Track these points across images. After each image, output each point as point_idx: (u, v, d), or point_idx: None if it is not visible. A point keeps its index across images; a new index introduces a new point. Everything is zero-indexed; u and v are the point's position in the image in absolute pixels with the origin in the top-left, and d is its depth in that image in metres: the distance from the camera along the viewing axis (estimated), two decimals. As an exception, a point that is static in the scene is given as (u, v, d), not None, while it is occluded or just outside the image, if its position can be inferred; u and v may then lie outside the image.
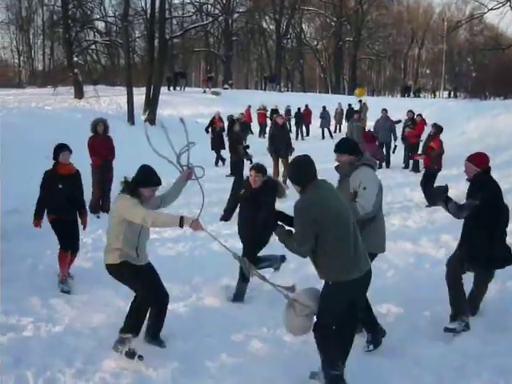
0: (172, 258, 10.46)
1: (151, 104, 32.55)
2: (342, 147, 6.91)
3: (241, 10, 68.63)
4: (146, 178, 6.67)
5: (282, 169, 17.07)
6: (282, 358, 6.48)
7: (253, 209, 8.26)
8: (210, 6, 65.63)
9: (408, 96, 61.56)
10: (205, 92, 48.10)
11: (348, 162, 6.80)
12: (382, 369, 6.13)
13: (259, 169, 8.56)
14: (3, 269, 9.30)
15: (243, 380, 5.94)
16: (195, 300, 8.17)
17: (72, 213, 9.12)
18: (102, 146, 13.94)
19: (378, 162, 16.91)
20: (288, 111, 36.12)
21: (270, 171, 13.16)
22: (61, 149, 9.09)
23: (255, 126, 35.33)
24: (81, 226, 9.31)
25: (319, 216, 5.37)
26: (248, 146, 17.01)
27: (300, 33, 76.91)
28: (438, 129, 15.70)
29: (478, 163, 7.06)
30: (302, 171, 5.64)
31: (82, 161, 11.73)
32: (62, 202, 8.84)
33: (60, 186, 8.87)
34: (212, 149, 22.73)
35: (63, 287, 8.59)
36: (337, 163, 6.97)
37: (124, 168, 14.27)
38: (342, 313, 5.62)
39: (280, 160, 17.34)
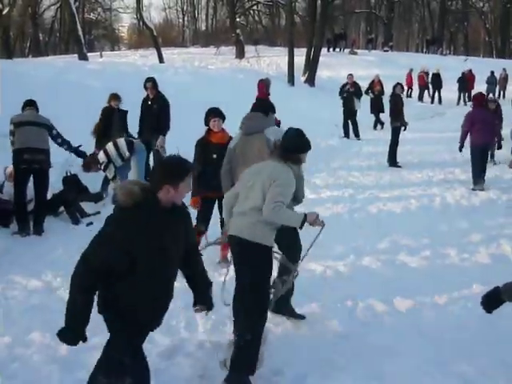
0: (331, 218, 10.62)
1: (311, 65, 32.66)
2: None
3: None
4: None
5: None
6: (442, 323, 6.51)
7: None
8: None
9: None
10: (351, 53, 47.88)
11: None
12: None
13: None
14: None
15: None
16: (355, 260, 8.30)
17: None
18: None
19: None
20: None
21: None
22: (210, 114, 8.15)
23: (415, 90, 34.77)
24: None
25: None
26: None
27: (466, -6, 74.02)
28: None
29: None
30: None
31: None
32: (213, 175, 7.54)
33: (214, 157, 7.85)
34: (371, 112, 22.61)
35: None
36: None
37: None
38: None
39: None
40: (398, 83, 16.29)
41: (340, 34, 51.32)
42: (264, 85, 14.19)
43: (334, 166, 15.43)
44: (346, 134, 20.60)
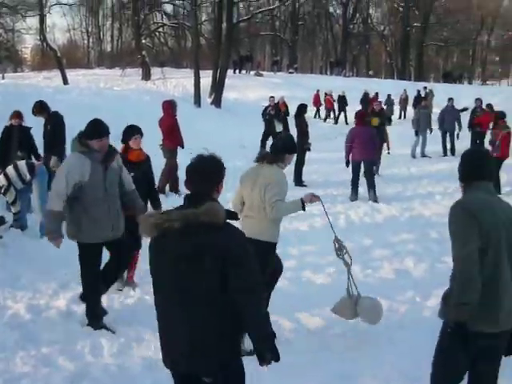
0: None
1: (217, 87, 32.84)
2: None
3: (308, -5, 68.36)
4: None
5: None
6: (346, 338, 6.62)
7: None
8: (277, -10, 65.61)
9: (449, 83, 60.11)
10: (257, 75, 48.65)
11: None
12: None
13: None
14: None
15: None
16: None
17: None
18: (177, 128, 14.09)
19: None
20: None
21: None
22: (133, 132, 7.97)
23: (323, 111, 35.52)
24: None
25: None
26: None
27: (367, 17, 76.13)
28: (497, 115, 15.60)
29: None
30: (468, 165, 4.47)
31: (151, 143, 11.90)
32: None
33: (132, 175, 7.52)
34: (275, 133, 22.85)
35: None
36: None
37: (190, 150, 14.61)
38: None
39: None
40: (303, 104, 16.53)
41: (246, 56, 51.89)
42: (170, 105, 14.09)
43: (240, 186, 15.47)
44: None
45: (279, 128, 20.96)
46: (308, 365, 5.89)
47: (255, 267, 3.79)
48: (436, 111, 28.07)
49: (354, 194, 13.93)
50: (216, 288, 3.68)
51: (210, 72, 35.89)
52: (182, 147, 14.06)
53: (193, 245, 3.65)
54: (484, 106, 20.96)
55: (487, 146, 16.32)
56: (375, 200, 13.52)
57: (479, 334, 4.11)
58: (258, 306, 3.79)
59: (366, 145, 13.70)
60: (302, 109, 16.25)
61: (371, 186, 13.75)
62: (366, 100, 33.80)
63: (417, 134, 20.72)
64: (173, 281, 3.76)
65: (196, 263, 3.65)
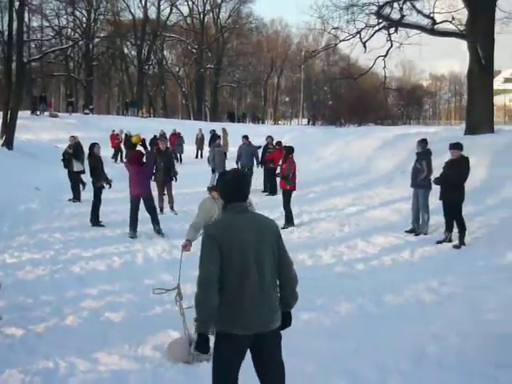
0: (32, 281, 10.29)
1: (9, 128, 31.66)
2: None
3: (101, 35, 68.19)
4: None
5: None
6: (143, 375, 6.61)
7: None
8: (69, 30, 64.84)
9: (233, 122, 62.65)
10: (37, 115, 47.52)
11: None
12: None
13: None
14: None
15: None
16: (57, 321, 8.13)
17: None
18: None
19: None
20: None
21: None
22: None
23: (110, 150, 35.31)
24: None
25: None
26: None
27: (162, 59, 77.32)
28: (287, 150, 16.37)
29: None
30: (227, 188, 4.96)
31: None
32: None
33: None
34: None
35: None
36: None
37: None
38: None
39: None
40: (94, 143, 16.35)
41: (41, 97, 50.56)
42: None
43: (34, 229, 14.96)
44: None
45: (78, 167, 20.55)
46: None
47: None
48: (232, 150, 29.04)
49: (133, 231, 14.09)
50: None
51: (0, 113, 34.58)
52: None
53: None
54: (274, 144, 21.90)
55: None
56: (159, 231, 14.13)
57: (239, 336, 4.62)
58: None
59: (143, 181, 14.03)
60: (92, 148, 16.11)
61: (154, 219, 14.27)
62: (156, 143, 34.16)
63: (213, 171, 21.25)
64: None
65: None
